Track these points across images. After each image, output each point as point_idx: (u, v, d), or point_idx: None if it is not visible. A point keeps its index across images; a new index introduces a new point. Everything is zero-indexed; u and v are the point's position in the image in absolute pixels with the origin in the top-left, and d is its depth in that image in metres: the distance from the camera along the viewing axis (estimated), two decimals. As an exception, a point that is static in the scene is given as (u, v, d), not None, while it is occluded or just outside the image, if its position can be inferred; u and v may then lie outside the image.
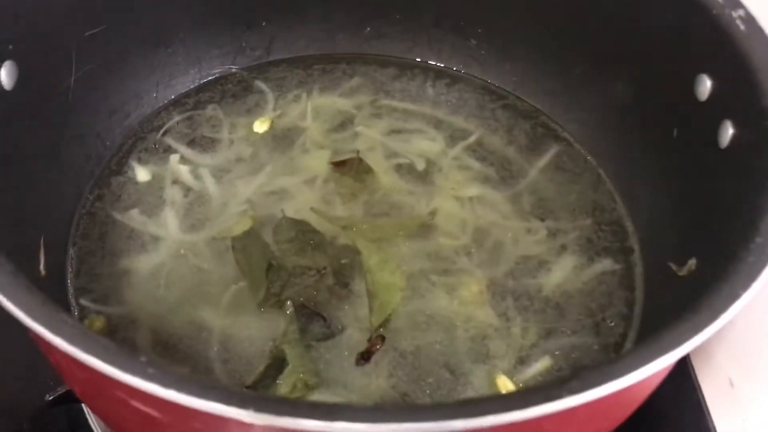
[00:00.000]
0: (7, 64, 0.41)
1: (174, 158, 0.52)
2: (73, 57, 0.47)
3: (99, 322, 0.44)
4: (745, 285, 0.30)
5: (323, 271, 0.46)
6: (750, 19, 0.41)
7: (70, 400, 0.44)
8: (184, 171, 0.52)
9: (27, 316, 0.26)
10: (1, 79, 0.41)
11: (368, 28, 0.59)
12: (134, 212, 0.50)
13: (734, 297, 0.29)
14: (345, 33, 0.59)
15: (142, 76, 0.54)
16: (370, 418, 0.23)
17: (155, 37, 0.53)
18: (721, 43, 0.41)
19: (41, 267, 0.42)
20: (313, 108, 0.57)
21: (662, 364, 0.27)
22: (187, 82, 0.56)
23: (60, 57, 0.46)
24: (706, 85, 0.43)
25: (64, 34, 0.46)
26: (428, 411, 0.24)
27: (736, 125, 0.41)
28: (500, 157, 0.55)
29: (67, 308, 0.44)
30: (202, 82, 0.57)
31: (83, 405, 0.46)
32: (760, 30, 0.40)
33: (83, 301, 0.45)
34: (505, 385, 0.43)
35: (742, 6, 0.42)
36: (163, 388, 0.24)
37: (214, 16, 0.56)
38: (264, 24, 0.58)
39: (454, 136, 0.56)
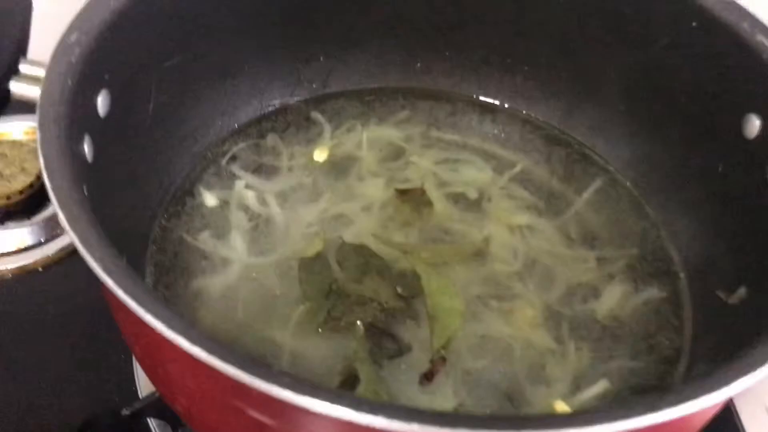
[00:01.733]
0: (103, 93, 0.43)
1: (240, 184, 0.55)
2: (152, 87, 0.50)
3: None
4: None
5: (386, 305, 0.48)
6: (799, 64, 0.44)
7: (144, 415, 0.46)
8: (250, 196, 0.54)
9: (168, 329, 0.28)
10: (98, 107, 0.43)
11: (419, 64, 0.62)
12: (204, 235, 0.52)
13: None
14: (397, 67, 0.62)
15: (209, 105, 0.56)
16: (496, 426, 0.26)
17: (222, 69, 0.56)
18: (770, 85, 0.44)
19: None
20: (367, 138, 0.59)
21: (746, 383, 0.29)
22: (249, 112, 0.59)
23: (143, 86, 0.49)
24: (755, 124, 0.46)
25: (148, 65, 0.48)
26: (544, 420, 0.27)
27: (786, 162, 0.43)
28: (547, 187, 0.58)
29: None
30: (263, 112, 0.59)
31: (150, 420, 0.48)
32: (810, 75, 0.43)
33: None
34: (563, 409, 0.45)
35: (790, 50, 0.45)
36: (298, 395, 0.26)
37: (276, 50, 0.58)
38: (322, 59, 0.61)
39: (501, 167, 0.59)
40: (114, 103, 0.44)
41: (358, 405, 0.26)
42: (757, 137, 0.46)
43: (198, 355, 0.27)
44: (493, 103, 0.63)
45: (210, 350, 0.27)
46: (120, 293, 0.29)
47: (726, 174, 0.49)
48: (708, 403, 0.30)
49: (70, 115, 0.39)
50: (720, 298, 0.47)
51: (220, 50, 0.55)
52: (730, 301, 0.46)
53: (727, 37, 0.47)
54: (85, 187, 0.39)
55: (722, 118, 0.49)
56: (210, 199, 0.54)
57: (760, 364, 0.32)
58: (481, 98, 0.63)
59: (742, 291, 0.45)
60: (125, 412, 0.46)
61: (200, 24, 0.52)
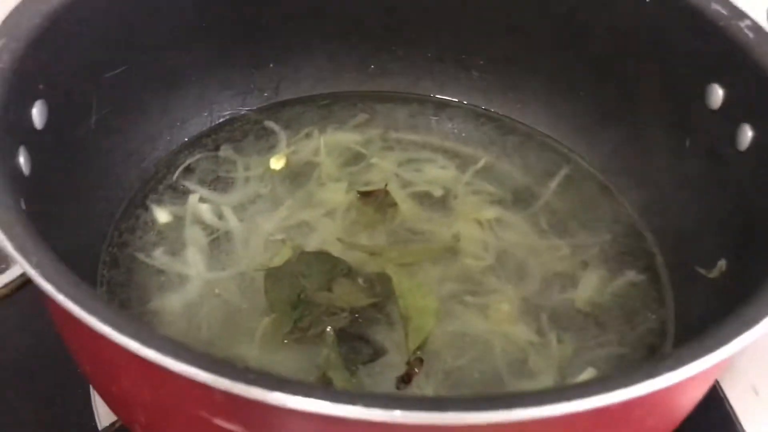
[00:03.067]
0: (39, 103, 0.41)
1: (193, 198, 0.52)
2: (93, 99, 0.47)
3: None
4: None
5: (357, 310, 0.45)
6: (757, 28, 0.43)
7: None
8: (204, 210, 0.52)
9: (115, 331, 0.25)
10: (34, 118, 0.40)
11: (372, 66, 0.61)
12: (158, 252, 0.49)
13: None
14: (350, 71, 0.61)
15: (156, 119, 0.54)
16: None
17: (168, 80, 0.54)
18: (731, 53, 0.44)
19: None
20: (325, 144, 0.57)
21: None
22: (200, 124, 0.56)
23: (83, 98, 0.46)
24: (718, 94, 0.45)
25: (87, 75, 0.46)
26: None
27: (755, 127, 0.42)
28: (512, 180, 0.56)
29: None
30: (214, 124, 0.57)
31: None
32: (767, 35, 0.43)
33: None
34: None
35: (747, 16, 0.44)
36: (268, 391, 0.24)
37: (223, 59, 0.56)
38: (271, 66, 0.59)
39: (464, 163, 0.57)
40: (52, 115, 0.42)
41: (335, 396, 0.24)
42: (722, 107, 0.45)
43: (152, 358, 0.25)
44: (451, 101, 0.61)
45: (165, 351, 0.25)
46: (60, 298, 0.26)
47: (694, 148, 0.48)
48: (691, 371, 0.28)
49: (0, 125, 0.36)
50: (700, 273, 0.45)
51: (165, 60, 0.53)
52: (711, 276, 0.44)
53: (683, 9, 0.47)
54: (22, 202, 0.36)
55: (686, 92, 0.48)
56: (162, 216, 0.51)
57: (745, 329, 0.31)
58: (438, 96, 0.61)
59: (722, 263, 0.43)
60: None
61: (141, 33, 0.50)
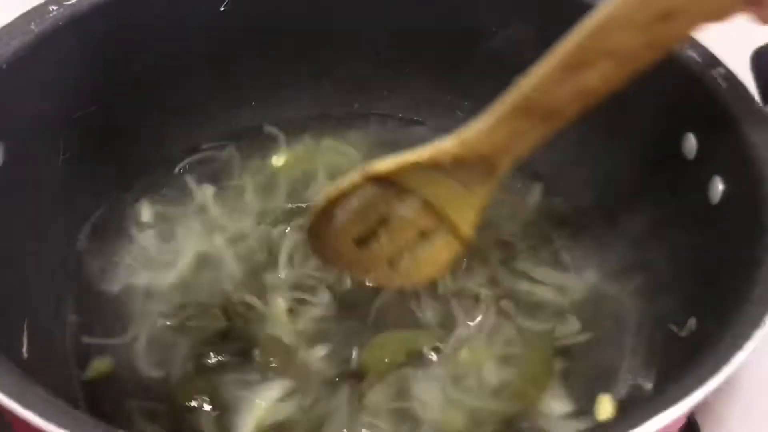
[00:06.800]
0: None
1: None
2: (61, 138, 0.47)
3: (104, 365, 0.44)
4: (747, 334, 0.29)
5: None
6: (730, 76, 0.41)
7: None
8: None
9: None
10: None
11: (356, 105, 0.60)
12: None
13: (737, 347, 0.28)
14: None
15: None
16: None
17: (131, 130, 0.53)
18: (704, 102, 0.42)
19: (24, 350, 0.41)
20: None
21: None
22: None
23: (49, 138, 0.46)
24: (692, 144, 0.43)
25: (55, 115, 0.46)
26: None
27: (725, 181, 0.40)
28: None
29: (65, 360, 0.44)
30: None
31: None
32: (740, 85, 0.41)
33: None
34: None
35: (721, 64, 0.42)
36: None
37: (204, 98, 0.57)
38: (254, 104, 0.59)
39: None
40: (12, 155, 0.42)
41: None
42: (696, 157, 0.43)
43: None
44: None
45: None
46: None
47: (673, 202, 0.46)
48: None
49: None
50: (673, 331, 0.43)
51: (139, 102, 0.52)
52: (681, 334, 0.42)
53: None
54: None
55: (662, 142, 0.46)
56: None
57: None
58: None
59: (692, 322, 0.41)
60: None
61: (116, 77, 0.50)
